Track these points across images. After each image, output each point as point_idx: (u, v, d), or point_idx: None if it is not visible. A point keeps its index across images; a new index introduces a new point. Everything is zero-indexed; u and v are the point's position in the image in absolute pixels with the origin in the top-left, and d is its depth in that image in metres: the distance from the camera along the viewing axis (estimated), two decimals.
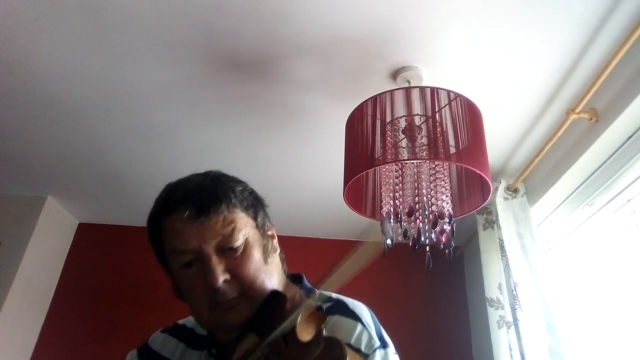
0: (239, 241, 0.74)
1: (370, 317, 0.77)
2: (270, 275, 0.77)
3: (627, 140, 1.45)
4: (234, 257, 0.73)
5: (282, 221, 2.49)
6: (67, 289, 2.49)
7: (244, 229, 0.75)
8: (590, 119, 1.48)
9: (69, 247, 2.61)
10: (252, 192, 0.82)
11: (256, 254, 0.76)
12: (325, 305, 0.76)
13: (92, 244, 2.63)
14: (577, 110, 1.45)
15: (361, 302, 0.80)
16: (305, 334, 0.59)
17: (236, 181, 0.81)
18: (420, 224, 1.34)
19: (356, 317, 0.74)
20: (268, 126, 1.79)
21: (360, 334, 0.71)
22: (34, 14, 1.32)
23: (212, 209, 0.73)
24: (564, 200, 1.80)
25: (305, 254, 2.63)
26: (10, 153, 2.06)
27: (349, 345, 0.69)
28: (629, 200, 1.50)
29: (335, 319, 0.72)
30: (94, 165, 2.12)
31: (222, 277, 0.71)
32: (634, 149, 1.44)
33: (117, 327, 2.42)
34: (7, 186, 2.35)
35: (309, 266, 2.92)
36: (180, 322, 0.92)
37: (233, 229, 0.74)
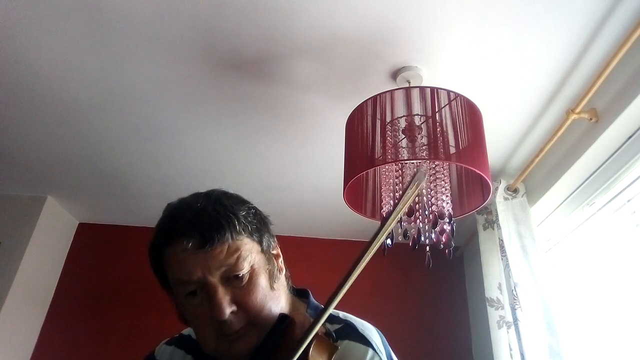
0: (244, 270, 0.72)
1: (380, 341, 0.76)
2: (277, 300, 0.76)
3: (627, 140, 1.45)
4: (239, 287, 0.72)
5: (282, 221, 2.49)
6: (67, 289, 2.49)
7: (249, 256, 0.73)
8: (590, 119, 1.48)
9: (69, 247, 2.61)
10: (256, 213, 0.80)
11: (262, 282, 0.74)
12: (334, 328, 0.75)
13: (92, 244, 2.63)
14: (577, 110, 1.45)
15: (370, 323, 0.79)
16: None
17: (239, 203, 0.78)
18: (420, 224, 1.34)
19: (367, 342, 0.73)
20: (268, 126, 1.79)
21: (372, 359, 0.71)
22: (33, 14, 1.32)
23: (215, 238, 0.71)
24: (564, 200, 1.80)
25: (305, 254, 2.63)
26: (10, 153, 2.06)
27: None
28: (629, 200, 1.50)
29: (346, 344, 0.72)
30: (94, 165, 2.12)
31: (228, 310, 0.69)
32: (634, 149, 1.44)
33: (117, 327, 2.42)
34: (7, 186, 2.35)
35: (309, 266, 2.93)
36: (185, 332, 0.91)
37: (238, 258, 0.72)
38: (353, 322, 0.78)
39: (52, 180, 2.27)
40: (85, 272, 2.55)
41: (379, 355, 0.72)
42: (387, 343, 0.78)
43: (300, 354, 0.60)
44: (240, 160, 2.02)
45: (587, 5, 1.21)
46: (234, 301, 0.70)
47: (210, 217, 0.72)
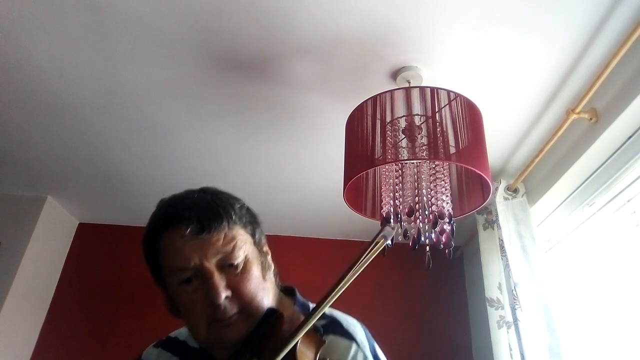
0: (239, 258, 0.74)
1: (364, 336, 0.78)
2: (268, 292, 0.78)
3: (627, 140, 1.45)
4: (234, 274, 0.74)
5: (282, 221, 2.49)
6: (67, 289, 2.49)
7: (244, 245, 0.76)
8: (590, 119, 1.48)
9: (69, 247, 2.62)
10: (249, 209, 0.83)
11: (255, 271, 0.76)
12: (319, 323, 0.77)
13: (92, 244, 2.63)
14: (577, 110, 1.45)
15: (355, 318, 0.81)
16: (305, 359, 0.61)
17: (233, 198, 0.81)
18: (420, 224, 1.34)
19: (351, 337, 0.75)
20: (268, 126, 1.79)
21: (355, 354, 0.73)
22: (33, 13, 1.32)
23: (213, 225, 0.73)
24: (564, 200, 1.80)
25: (305, 254, 2.63)
26: (10, 153, 2.06)
27: None
28: (629, 200, 1.50)
29: (331, 339, 0.74)
30: (94, 165, 2.12)
31: (224, 294, 0.71)
32: (634, 149, 1.44)
33: (117, 327, 2.42)
34: (7, 186, 2.35)
35: (309, 266, 2.93)
36: (172, 334, 0.92)
37: (234, 246, 0.74)
38: (338, 317, 0.80)
39: (52, 180, 2.27)
40: (85, 272, 2.55)
41: (363, 351, 0.74)
42: (371, 338, 0.79)
43: (289, 348, 0.61)
44: (240, 160, 2.02)
45: (587, 5, 1.22)
46: (229, 287, 0.72)
47: (208, 205, 0.75)
